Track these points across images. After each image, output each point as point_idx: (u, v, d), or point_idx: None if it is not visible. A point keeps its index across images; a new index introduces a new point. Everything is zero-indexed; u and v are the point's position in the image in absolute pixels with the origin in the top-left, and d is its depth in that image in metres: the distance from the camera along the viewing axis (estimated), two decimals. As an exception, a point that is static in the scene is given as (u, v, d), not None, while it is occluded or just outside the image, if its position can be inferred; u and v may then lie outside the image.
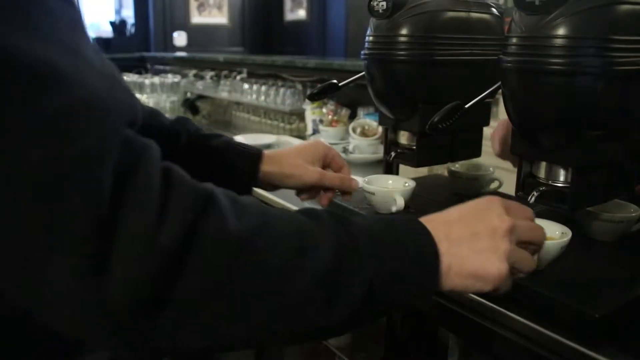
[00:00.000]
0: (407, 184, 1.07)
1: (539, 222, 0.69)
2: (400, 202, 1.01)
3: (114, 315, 0.45)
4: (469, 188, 1.17)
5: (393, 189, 1.05)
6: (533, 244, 0.65)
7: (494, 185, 1.20)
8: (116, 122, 0.47)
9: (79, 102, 0.45)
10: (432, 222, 0.60)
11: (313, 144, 0.97)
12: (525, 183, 0.85)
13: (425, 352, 0.97)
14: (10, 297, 0.47)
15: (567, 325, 0.70)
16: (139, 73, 3.72)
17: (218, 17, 6.51)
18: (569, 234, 0.78)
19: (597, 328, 0.68)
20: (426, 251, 0.57)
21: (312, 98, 1.19)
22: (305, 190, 0.95)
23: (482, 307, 0.79)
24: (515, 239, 0.62)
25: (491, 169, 1.20)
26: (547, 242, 0.70)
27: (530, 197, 0.81)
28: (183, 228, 0.46)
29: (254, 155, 0.92)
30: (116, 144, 0.46)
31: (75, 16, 0.51)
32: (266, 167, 0.91)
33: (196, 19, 6.35)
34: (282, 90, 2.50)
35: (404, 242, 0.57)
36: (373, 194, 1.02)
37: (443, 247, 0.58)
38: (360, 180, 1.02)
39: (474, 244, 0.59)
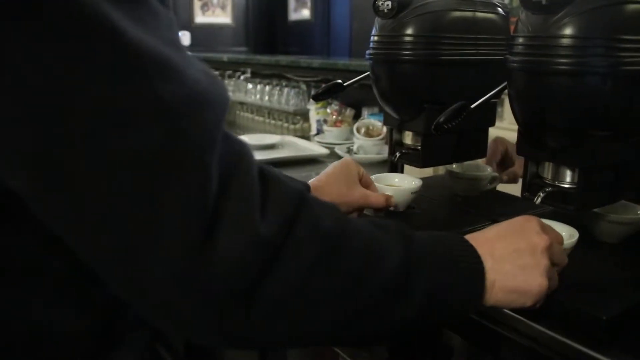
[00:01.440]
0: (414, 182, 1.07)
1: (547, 222, 0.71)
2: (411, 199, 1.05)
3: (213, 302, 0.46)
4: (468, 188, 1.17)
5: (408, 187, 1.05)
6: (559, 266, 0.69)
7: (494, 184, 1.20)
8: (219, 115, 0.49)
9: (191, 93, 0.47)
10: (476, 239, 0.63)
11: (347, 166, 0.98)
12: (531, 184, 0.84)
13: (430, 354, 0.97)
14: (111, 284, 0.49)
15: (573, 328, 0.70)
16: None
17: (222, 17, 6.52)
18: (576, 235, 0.78)
19: (604, 330, 0.68)
20: (473, 267, 0.60)
21: (317, 98, 1.18)
22: (351, 211, 0.98)
23: (487, 308, 0.78)
24: (550, 257, 0.65)
25: (489, 168, 1.20)
26: None
27: (536, 198, 0.80)
28: (282, 223, 0.48)
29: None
30: (219, 136, 0.48)
31: (172, 19, 0.54)
32: None
33: (200, 18, 6.36)
34: (286, 90, 2.50)
35: (454, 258, 0.60)
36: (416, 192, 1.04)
37: (488, 263, 0.61)
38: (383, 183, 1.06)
39: (517, 261, 0.62)
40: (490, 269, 0.61)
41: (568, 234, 0.79)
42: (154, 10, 0.51)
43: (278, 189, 0.51)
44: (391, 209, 1.03)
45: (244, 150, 0.51)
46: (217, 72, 3.21)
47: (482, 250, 0.62)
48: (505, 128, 1.43)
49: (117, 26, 0.45)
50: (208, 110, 0.48)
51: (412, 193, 1.04)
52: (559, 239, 0.70)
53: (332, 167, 0.99)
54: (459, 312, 0.61)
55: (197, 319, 0.48)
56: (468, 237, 0.64)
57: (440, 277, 0.58)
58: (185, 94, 0.47)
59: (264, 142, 1.98)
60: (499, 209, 1.11)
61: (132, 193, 0.44)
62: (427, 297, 0.57)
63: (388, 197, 1.00)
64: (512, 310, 0.74)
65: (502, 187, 1.25)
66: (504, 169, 1.28)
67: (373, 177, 1.05)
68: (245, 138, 2.01)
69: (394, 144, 1.12)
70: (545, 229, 0.67)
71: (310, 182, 0.95)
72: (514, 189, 1.20)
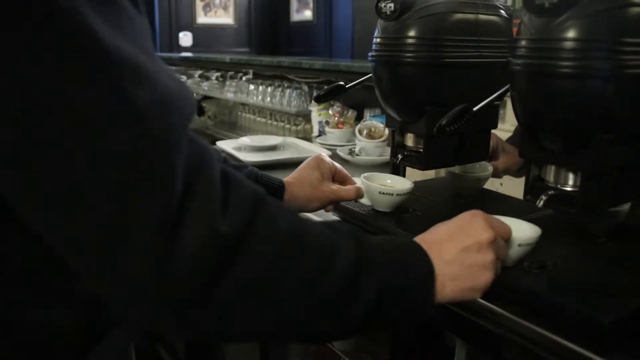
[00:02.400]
0: (406, 183, 1.08)
1: (512, 221, 0.78)
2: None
3: (177, 295, 0.49)
4: (470, 188, 1.17)
5: (402, 188, 1.06)
6: (502, 259, 0.74)
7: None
8: (185, 119, 0.53)
9: (161, 99, 0.51)
10: (427, 242, 0.68)
11: (317, 163, 1.04)
12: (534, 187, 0.84)
13: (431, 357, 0.97)
14: (84, 277, 0.52)
15: (575, 331, 0.70)
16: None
17: (224, 18, 6.52)
18: (537, 234, 0.79)
19: (606, 334, 0.67)
20: (424, 271, 0.65)
21: (319, 100, 1.19)
22: (325, 205, 1.05)
23: (489, 311, 0.78)
24: (495, 251, 0.70)
25: (490, 167, 1.20)
26: (515, 240, 0.76)
27: (538, 201, 0.80)
28: (240, 222, 0.52)
29: (278, 187, 1.00)
30: (185, 138, 0.52)
31: (146, 25, 0.57)
32: (288, 197, 1.00)
33: (202, 19, 6.36)
34: (288, 91, 2.50)
35: (406, 262, 0.64)
36: (391, 194, 1.04)
37: (438, 266, 0.65)
38: (359, 180, 1.09)
39: (465, 260, 0.67)
40: (440, 272, 0.65)
41: (531, 232, 0.80)
42: (130, 16, 0.54)
43: (238, 190, 0.54)
44: (379, 209, 1.06)
45: (206, 153, 0.54)
46: (219, 73, 3.21)
47: (432, 253, 0.66)
48: (507, 130, 1.43)
49: (96, 31, 0.48)
50: (176, 114, 0.52)
51: (397, 195, 1.04)
52: (504, 233, 0.73)
53: (304, 163, 1.05)
54: (411, 313, 0.65)
55: (161, 310, 0.51)
56: (418, 239, 0.68)
57: (392, 279, 0.61)
58: (156, 99, 0.50)
59: (265, 144, 1.98)
60: (501, 211, 1.10)
61: (105, 191, 0.48)
62: (379, 299, 0.60)
63: (357, 189, 1.05)
64: (514, 313, 0.74)
65: (503, 189, 1.25)
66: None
67: (366, 174, 1.08)
68: (247, 139, 2.01)
69: (396, 146, 1.11)
70: (492, 224, 0.71)
71: (285, 179, 1.02)
72: (515, 191, 1.20)
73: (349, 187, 1.06)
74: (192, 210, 0.49)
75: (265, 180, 1.00)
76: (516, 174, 1.31)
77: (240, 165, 1.05)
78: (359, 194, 1.05)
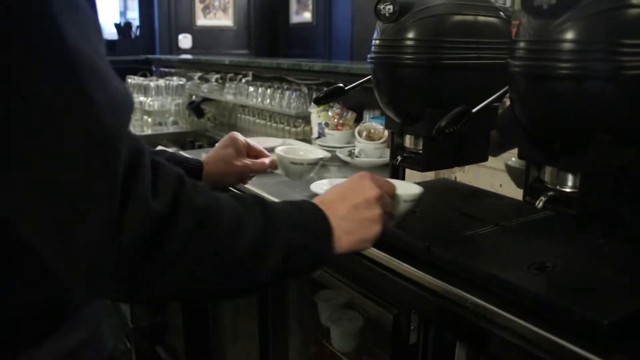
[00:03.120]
0: (317, 154, 1.21)
1: (397, 182, 0.90)
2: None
3: (121, 262, 0.57)
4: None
5: (313, 158, 1.19)
6: (389, 213, 0.84)
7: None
8: (128, 115, 0.62)
9: (113, 97, 0.58)
10: (323, 203, 0.78)
11: (231, 140, 1.16)
12: (533, 188, 0.84)
13: (431, 357, 0.97)
14: (42, 251, 0.58)
15: (576, 332, 0.70)
16: (144, 76, 3.72)
17: (223, 20, 6.52)
18: (419, 191, 0.91)
19: (606, 335, 0.67)
20: (322, 228, 0.75)
21: (319, 102, 1.19)
22: (240, 180, 1.20)
23: (489, 312, 0.78)
24: (382, 206, 0.80)
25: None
26: (400, 197, 0.88)
27: (538, 202, 0.80)
28: (167, 201, 0.60)
29: (196, 167, 1.12)
30: (127, 131, 0.59)
31: (97, 21, 0.63)
32: (206, 174, 1.12)
33: (201, 21, 6.36)
34: (287, 93, 2.50)
35: (308, 222, 0.74)
36: (302, 164, 1.18)
37: (334, 223, 0.76)
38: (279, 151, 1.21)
39: (356, 216, 0.78)
40: (336, 227, 0.76)
41: (414, 190, 0.92)
42: (87, 16, 0.60)
43: (164, 174, 0.61)
44: (293, 179, 1.21)
45: (140, 144, 0.61)
46: (218, 75, 3.21)
47: (328, 212, 0.76)
48: (506, 131, 1.42)
49: (61, 30, 0.55)
50: (123, 111, 0.60)
51: (307, 164, 1.17)
52: (389, 190, 0.84)
53: (219, 142, 1.17)
54: (313, 265, 0.77)
55: (109, 277, 0.60)
56: (316, 200, 0.79)
57: (296, 237, 0.72)
58: (110, 97, 0.58)
59: (265, 145, 1.97)
60: (500, 213, 1.11)
61: (64, 176, 0.55)
62: (286, 255, 0.70)
63: (271, 162, 1.18)
64: (515, 314, 0.74)
65: (502, 190, 1.25)
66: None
67: (281, 147, 1.20)
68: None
69: (396, 148, 1.11)
70: (378, 183, 0.81)
71: (203, 159, 1.14)
72: (515, 192, 1.20)
73: (261, 159, 1.18)
74: (133, 192, 0.57)
75: (184, 161, 1.11)
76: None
77: (159, 151, 1.19)
78: (273, 166, 1.18)
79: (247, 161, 1.16)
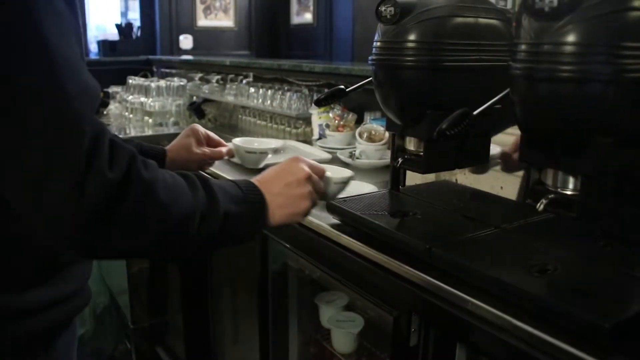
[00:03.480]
0: (270, 144, 1.46)
1: (330, 166, 1.06)
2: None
3: (81, 216, 0.68)
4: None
5: (266, 147, 1.46)
6: (318, 192, 0.98)
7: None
8: (95, 103, 0.73)
9: (84, 88, 0.70)
10: (259, 181, 0.90)
11: (192, 131, 1.28)
12: (534, 190, 0.84)
13: (431, 358, 0.96)
14: (15, 207, 0.70)
15: (576, 335, 0.70)
16: (145, 76, 3.72)
17: (224, 20, 6.52)
18: (348, 175, 1.07)
19: (607, 338, 0.67)
20: (257, 203, 0.87)
21: (319, 104, 1.19)
22: (201, 167, 1.33)
23: (489, 314, 0.78)
24: (312, 185, 0.94)
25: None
26: (331, 179, 1.02)
27: (539, 205, 0.80)
28: (120, 172, 0.70)
29: (160, 154, 1.23)
30: (92, 117, 0.70)
31: (77, 24, 0.73)
32: (169, 161, 1.24)
33: (202, 22, 6.36)
34: (288, 94, 2.50)
35: (245, 197, 0.86)
36: (255, 152, 1.45)
37: (268, 198, 0.88)
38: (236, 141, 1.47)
39: (288, 193, 0.91)
40: (270, 202, 0.88)
41: (345, 175, 1.06)
42: (67, 20, 0.70)
43: (119, 150, 0.71)
44: (248, 167, 1.44)
45: (102, 126, 0.71)
46: (219, 76, 3.21)
47: (263, 189, 0.89)
48: (506, 133, 1.42)
49: (41, 22, 0.66)
50: (92, 99, 0.71)
51: (261, 153, 1.48)
52: (318, 171, 0.97)
53: (181, 133, 1.29)
54: (249, 233, 0.87)
55: (74, 234, 0.70)
56: (254, 180, 0.90)
57: (234, 208, 0.83)
58: (81, 87, 0.69)
59: (266, 147, 1.98)
60: (501, 215, 1.10)
61: (42, 149, 0.66)
62: (223, 223, 0.81)
63: (228, 150, 1.33)
64: (515, 316, 0.74)
65: (503, 192, 1.25)
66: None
67: (237, 139, 1.45)
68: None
69: (397, 150, 1.12)
70: (309, 165, 0.95)
71: (166, 147, 1.27)
72: (516, 194, 1.20)
73: (219, 148, 1.31)
74: (93, 164, 0.67)
75: (149, 150, 1.23)
76: None
77: (129, 139, 1.31)
78: (230, 154, 1.35)
79: (207, 149, 1.29)
